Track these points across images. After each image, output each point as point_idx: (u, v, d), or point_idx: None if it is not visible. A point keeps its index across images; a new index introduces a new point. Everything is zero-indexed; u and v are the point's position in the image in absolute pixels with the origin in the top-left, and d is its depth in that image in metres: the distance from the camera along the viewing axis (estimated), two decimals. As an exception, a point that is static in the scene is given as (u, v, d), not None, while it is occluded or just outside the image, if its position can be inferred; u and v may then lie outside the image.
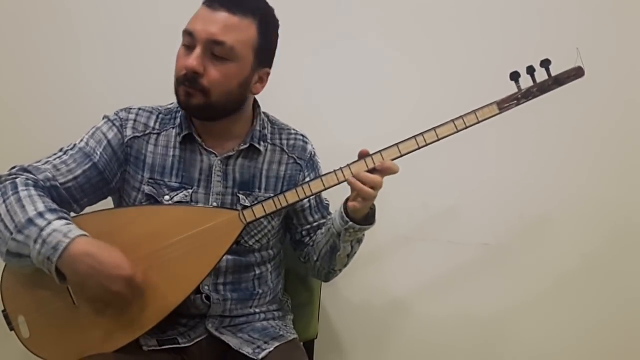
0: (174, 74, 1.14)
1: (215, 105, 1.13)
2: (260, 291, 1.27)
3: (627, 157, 1.60)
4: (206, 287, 1.20)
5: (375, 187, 1.08)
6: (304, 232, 1.31)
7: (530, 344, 1.67)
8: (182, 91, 1.12)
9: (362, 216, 1.15)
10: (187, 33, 1.10)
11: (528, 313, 1.66)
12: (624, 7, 1.55)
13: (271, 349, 1.17)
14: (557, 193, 1.61)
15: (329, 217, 1.29)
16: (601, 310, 1.64)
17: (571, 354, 1.67)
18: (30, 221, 1.02)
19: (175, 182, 1.19)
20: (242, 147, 1.21)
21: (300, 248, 1.33)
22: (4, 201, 1.06)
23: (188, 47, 1.11)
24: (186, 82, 1.10)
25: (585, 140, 1.60)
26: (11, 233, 1.02)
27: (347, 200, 1.15)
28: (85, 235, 1.03)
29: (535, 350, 1.67)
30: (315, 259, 1.28)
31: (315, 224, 1.31)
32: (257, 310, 1.27)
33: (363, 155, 1.10)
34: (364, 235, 1.22)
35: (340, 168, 1.10)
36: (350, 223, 1.14)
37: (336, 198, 1.22)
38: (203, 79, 1.09)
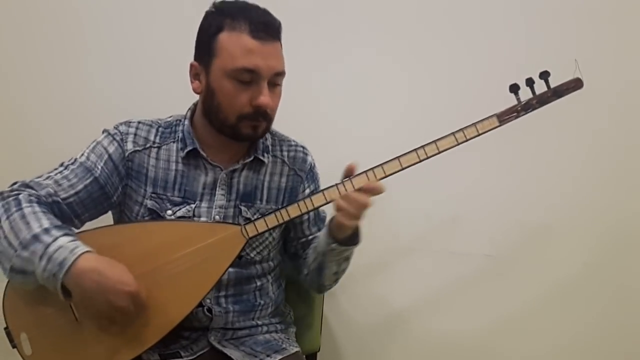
0: (220, 107, 1.13)
1: (270, 127, 1.19)
2: (262, 302, 1.27)
3: (626, 164, 1.60)
4: (208, 300, 1.20)
5: (361, 207, 1.08)
6: (298, 246, 1.32)
7: (532, 354, 1.66)
8: (247, 125, 1.14)
9: (346, 237, 1.14)
10: (248, 71, 1.10)
11: (530, 323, 1.65)
12: (622, 19, 1.56)
13: (273, 362, 1.17)
14: (558, 203, 1.61)
15: (316, 235, 1.28)
16: (604, 319, 1.64)
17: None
18: (35, 237, 1.02)
19: (178, 196, 1.19)
20: (247, 160, 1.22)
21: (294, 261, 1.34)
22: (7, 218, 1.06)
23: (246, 82, 1.11)
24: (259, 117, 1.13)
25: (585, 150, 1.60)
26: (15, 250, 1.02)
27: (331, 220, 1.15)
28: (91, 251, 1.03)
29: (539, 358, 1.67)
30: (305, 272, 1.29)
31: (310, 237, 1.31)
32: (259, 322, 1.27)
33: (350, 170, 1.10)
34: (352, 253, 1.21)
35: (342, 182, 1.10)
36: (334, 245, 1.15)
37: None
38: (269, 109, 1.14)
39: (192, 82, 1.18)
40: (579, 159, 1.60)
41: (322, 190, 1.11)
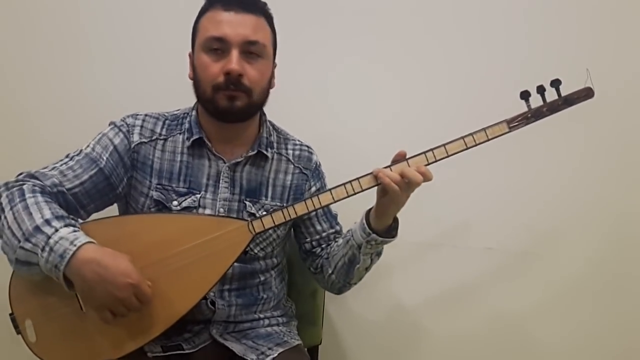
0: (199, 83, 1.15)
1: (255, 104, 1.17)
2: (265, 296, 1.28)
3: (629, 162, 1.61)
4: (212, 293, 1.20)
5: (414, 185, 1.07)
6: (314, 243, 1.31)
7: (535, 348, 1.68)
8: (222, 96, 1.13)
9: (384, 227, 1.15)
10: (216, 39, 1.12)
11: (533, 317, 1.67)
12: (635, 28, 1.57)
13: (275, 355, 1.17)
14: (561, 198, 1.62)
15: (349, 229, 1.26)
16: (606, 314, 1.65)
17: (577, 357, 1.68)
18: (37, 229, 1.02)
19: (183, 187, 1.20)
20: (250, 154, 1.22)
21: (312, 259, 1.32)
22: (11, 208, 1.05)
23: (217, 52, 1.13)
24: (231, 85, 1.12)
25: (588, 147, 1.61)
26: (19, 241, 1.02)
27: (368, 212, 1.16)
28: (92, 242, 1.03)
29: (541, 353, 1.68)
30: (330, 272, 1.27)
31: (324, 234, 1.31)
32: (261, 316, 1.28)
33: (401, 156, 1.10)
34: (383, 248, 1.22)
35: (350, 181, 1.11)
36: (373, 235, 1.14)
37: (347, 209, 1.22)
38: (245, 79, 1.12)
39: (189, 70, 1.21)
40: (582, 155, 1.61)
41: (330, 189, 1.12)
